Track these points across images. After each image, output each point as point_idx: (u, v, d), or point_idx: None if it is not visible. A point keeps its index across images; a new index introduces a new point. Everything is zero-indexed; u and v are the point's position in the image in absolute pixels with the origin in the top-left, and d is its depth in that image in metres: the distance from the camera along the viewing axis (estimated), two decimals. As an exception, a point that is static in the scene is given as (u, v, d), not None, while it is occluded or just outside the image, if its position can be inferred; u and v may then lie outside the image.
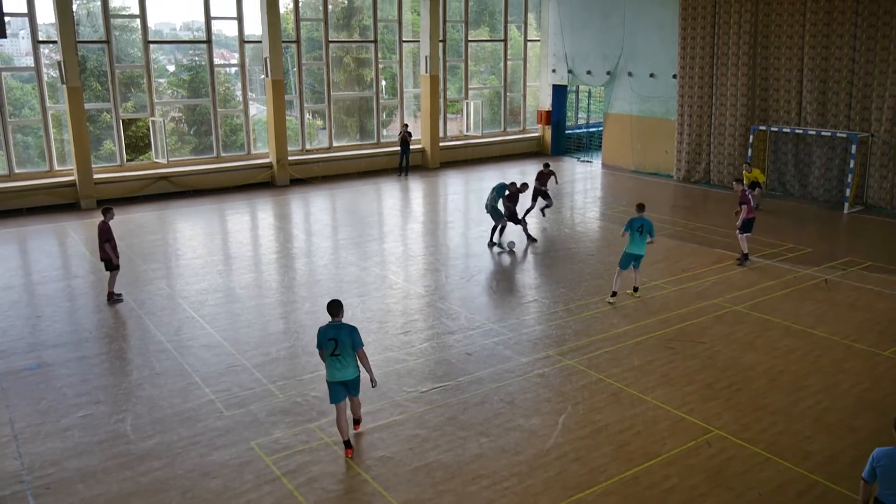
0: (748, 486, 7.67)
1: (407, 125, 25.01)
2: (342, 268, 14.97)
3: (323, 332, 7.94)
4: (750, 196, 14.59)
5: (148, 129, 22.79)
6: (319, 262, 15.35)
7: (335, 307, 7.92)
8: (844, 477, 7.79)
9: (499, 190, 16.18)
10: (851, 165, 19.51)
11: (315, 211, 20.35)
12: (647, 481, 7.75)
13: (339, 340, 7.86)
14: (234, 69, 24.01)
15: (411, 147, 24.92)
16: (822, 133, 20.13)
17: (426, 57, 25.83)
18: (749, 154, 21.53)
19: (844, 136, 19.81)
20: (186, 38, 23.28)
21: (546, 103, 29.31)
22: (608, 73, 26.33)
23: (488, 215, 16.67)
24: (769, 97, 21.80)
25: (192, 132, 23.60)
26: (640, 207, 12.91)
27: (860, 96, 19.82)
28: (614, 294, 12.78)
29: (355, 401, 8.39)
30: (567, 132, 29.99)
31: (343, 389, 8.05)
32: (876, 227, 18.23)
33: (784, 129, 21.00)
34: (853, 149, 19.40)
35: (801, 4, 20.53)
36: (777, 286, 13.77)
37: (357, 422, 8.64)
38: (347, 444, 8.20)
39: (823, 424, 8.89)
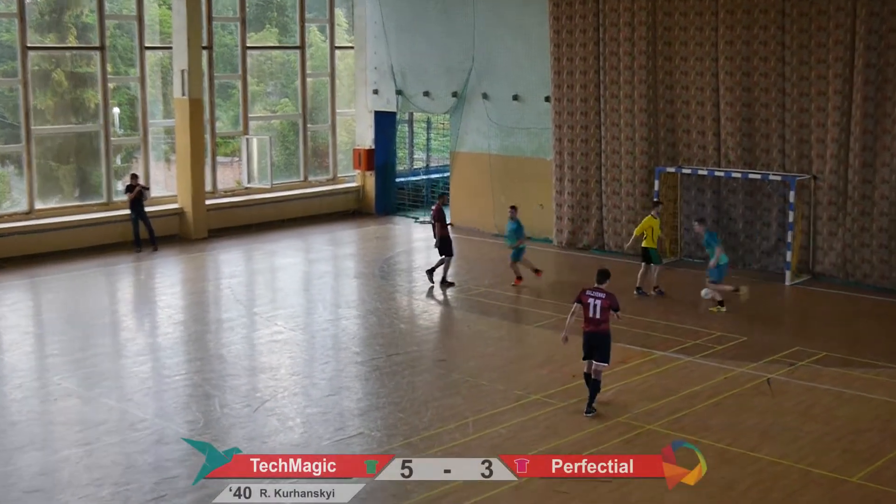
0: None
1: (136, 176, 24.67)
2: (53, 401, 14.42)
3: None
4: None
5: None
6: (14, 395, 14.76)
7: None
8: None
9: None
10: (791, 220, 21.11)
11: (6, 312, 19.57)
12: None
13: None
14: None
15: (146, 208, 24.43)
16: (750, 176, 21.74)
17: (183, 71, 25.69)
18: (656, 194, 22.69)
19: (779, 178, 21.43)
20: None
21: (366, 139, 29.83)
22: (454, 94, 27.27)
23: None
24: (677, 127, 23.29)
25: None
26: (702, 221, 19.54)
27: (796, 125, 21.52)
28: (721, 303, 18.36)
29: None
30: (398, 180, 30.60)
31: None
32: (829, 304, 19.62)
33: (700, 172, 22.51)
34: (792, 196, 21.03)
35: (711, 1, 22.21)
36: (705, 393, 14.48)
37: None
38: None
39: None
